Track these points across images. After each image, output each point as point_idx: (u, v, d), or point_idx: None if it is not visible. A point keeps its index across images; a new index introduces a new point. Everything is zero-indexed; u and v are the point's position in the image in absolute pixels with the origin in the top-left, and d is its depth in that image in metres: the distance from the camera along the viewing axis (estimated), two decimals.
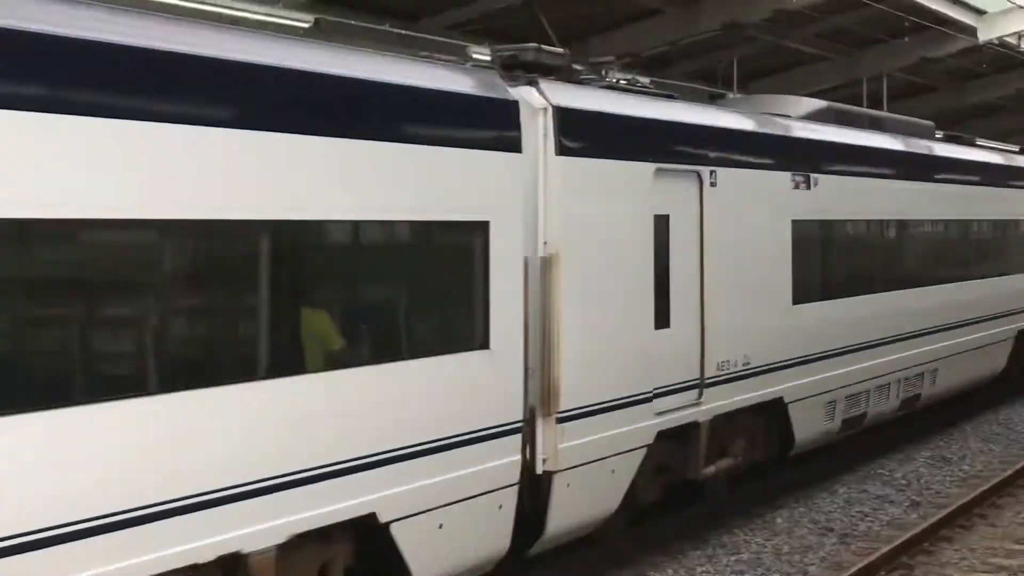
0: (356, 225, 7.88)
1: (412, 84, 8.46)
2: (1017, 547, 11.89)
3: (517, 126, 9.25)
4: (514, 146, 9.20)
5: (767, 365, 12.46)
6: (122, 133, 6.38)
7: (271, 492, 7.12)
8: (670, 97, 12.05)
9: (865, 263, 14.87)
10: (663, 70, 24.70)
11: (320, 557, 7.72)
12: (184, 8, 12.90)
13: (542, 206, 9.48)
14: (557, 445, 9.47)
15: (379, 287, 8.26)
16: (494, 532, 8.91)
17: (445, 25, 20.11)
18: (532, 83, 9.77)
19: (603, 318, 10.08)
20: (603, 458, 10.01)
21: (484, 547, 8.84)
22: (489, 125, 9.10)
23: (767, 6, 22.78)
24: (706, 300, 11.45)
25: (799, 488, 14.07)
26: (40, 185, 5.98)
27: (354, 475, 7.69)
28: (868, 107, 28.59)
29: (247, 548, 6.97)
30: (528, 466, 9.29)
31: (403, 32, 15.86)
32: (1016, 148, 24.73)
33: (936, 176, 17.19)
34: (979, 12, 28.24)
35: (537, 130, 9.52)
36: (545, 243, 9.49)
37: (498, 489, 8.90)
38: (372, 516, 7.83)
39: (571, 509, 9.73)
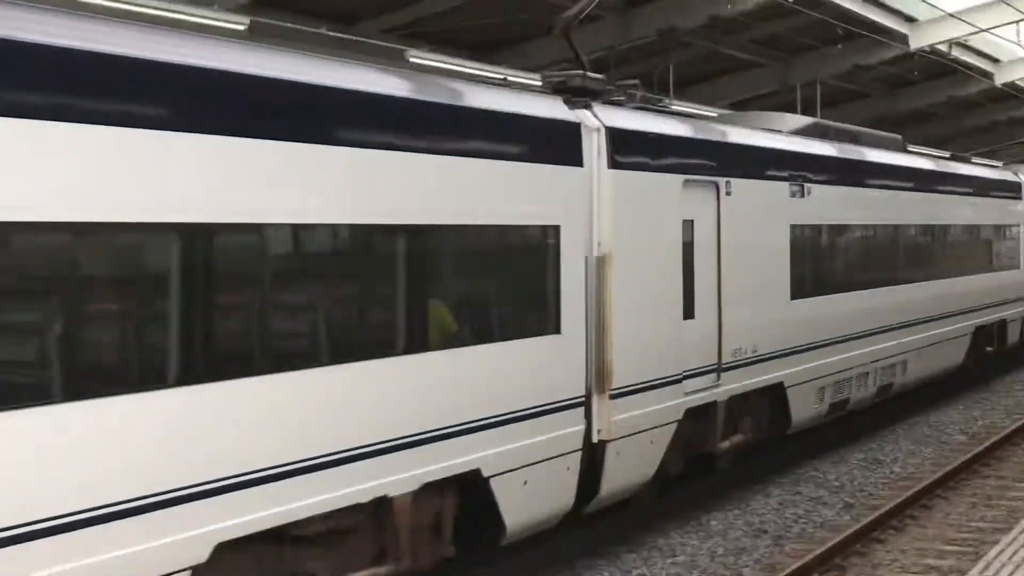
0: (463, 229, 9.30)
1: (503, 110, 10.04)
2: (947, 548, 12.05)
3: (580, 144, 10.81)
4: (578, 161, 10.78)
5: (771, 353, 14.02)
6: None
7: (408, 448, 8.63)
8: (689, 116, 13.76)
9: (849, 263, 16.52)
10: (601, 75, 24.74)
11: (437, 505, 9.16)
12: (117, 10, 12.74)
13: (596, 212, 10.93)
14: (610, 418, 10.98)
15: (480, 281, 9.77)
16: (563, 490, 10.45)
17: (382, 29, 20.06)
18: (587, 106, 11.20)
19: (644, 309, 11.56)
20: (645, 430, 11.54)
21: (556, 502, 10.40)
22: (560, 144, 10.67)
23: (703, 12, 22.96)
24: (722, 294, 13.00)
25: (734, 491, 14.17)
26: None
27: (466, 436, 9.21)
28: (802, 113, 28.91)
29: (392, 493, 8.52)
30: (587, 435, 10.76)
31: (339, 36, 15.78)
32: (967, 159, 26.15)
33: (906, 185, 18.90)
34: (910, 20, 28.61)
35: (592, 147, 10.96)
36: (599, 244, 10.94)
37: (567, 453, 10.44)
38: (478, 472, 9.36)
39: (619, 474, 11.22)
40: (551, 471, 10.24)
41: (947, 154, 25.86)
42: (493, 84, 11.11)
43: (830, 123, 17.66)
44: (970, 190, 22.24)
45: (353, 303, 8.42)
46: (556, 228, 10.38)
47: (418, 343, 8.79)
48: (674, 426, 12.07)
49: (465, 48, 23.06)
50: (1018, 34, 29.64)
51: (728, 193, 13.16)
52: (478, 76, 14.23)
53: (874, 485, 14.84)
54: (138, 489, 6.70)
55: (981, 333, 22.06)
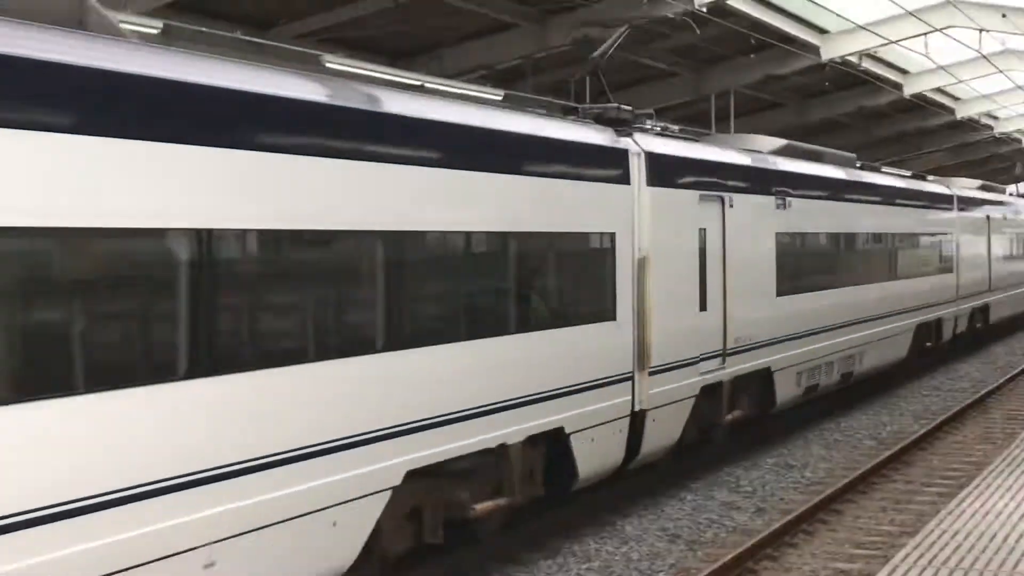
0: (558, 235, 11.69)
1: (577, 140, 12.45)
2: (857, 551, 12.24)
3: (628, 166, 13.10)
4: (626, 180, 13.07)
5: (762, 342, 16.32)
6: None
7: (519, 407, 10.87)
8: (696, 139, 16.10)
9: (820, 266, 18.97)
10: (516, 83, 24.85)
11: (534, 454, 11.41)
12: None
13: (637, 222, 13.17)
14: (648, 391, 13.24)
15: (559, 277, 11.93)
16: (616, 448, 12.76)
17: (298, 34, 19.94)
18: (629, 134, 13.50)
19: (672, 302, 13.85)
20: (673, 402, 13.80)
21: (611, 458, 12.70)
22: (614, 166, 12.95)
23: (619, 22, 23.05)
24: (727, 291, 15.31)
25: (648, 496, 14.28)
26: None
27: (554, 400, 11.45)
28: (716, 122, 29.26)
29: (509, 441, 10.82)
30: (632, 405, 12.99)
31: (254, 40, 15.66)
32: (909, 173, 29.00)
33: (861, 198, 21.29)
34: (822, 31, 29.07)
35: (635, 168, 13.26)
36: (640, 248, 13.20)
37: (619, 418, 12.72)
38: (561, 429, 11.61)
39: (654, 438, 13.45)
40: (609, 432, 12.54)
41: (891, 171, 27.44)
42: (559, 117, 13.45)
43: (799, 144, 19.95)
44: (911, 202, 24.60)
45: (490, 293, 10.77)
46: (612, 235, 12.72)
47: (524, 325, 11.13)
48: (693, 400, 14.35)
49: (382, 54, 23.00)
50: (926, 46, 30.21)
51: (731, 206, 15.54)
52: (398, 83, 14.45)
53: (785, 490, 15.03)
54: (363, 427, 8.91)
55: (921, 330, 24.34)
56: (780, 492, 14.87)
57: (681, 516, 13.55)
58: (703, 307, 14.72)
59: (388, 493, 9.22)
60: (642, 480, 14.46)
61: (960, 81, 37.02)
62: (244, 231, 8.00)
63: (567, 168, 12.03)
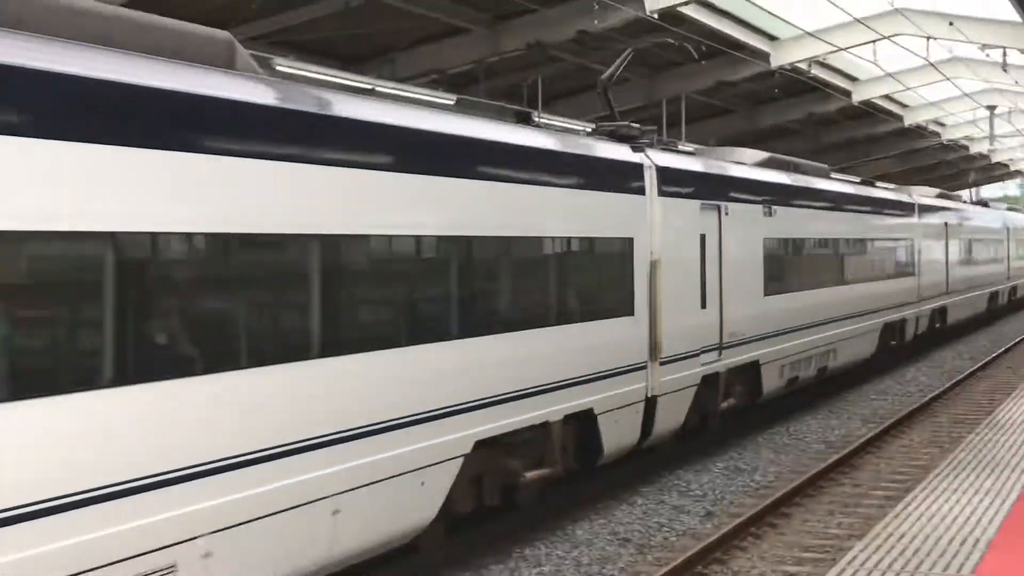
0: (588, 240, 13.24)
1: (605, 156, 14.01)
2: (805, 555, 12.34)
3: (643, 178, 14.62)
4: (641, 191, 14.58)
5: (752, 337, 17.88)
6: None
7: (558, 390, 12.43)
8: (696, 152, 17.88)
9: (799, 269, 20.45)
10: (469, 88, 24.86)
11: (569, 432, 12.94)
12: None
13: (651, 228, 14.67)
14: (659, 379, 14.73)
15: (590, 276, 13.42)
16: (634, 429, 14.28)
17: (249, 36, 19.84)
18: (642, 149, 15.02)
19: (678, 300, 15.33)
20: (679, 390, 15.31)
21: (630, 437, 14.23)
22: (632, 179, 14.45)
23: (571, 27, 23.15)
24: (723, 291, 16.85)
25: (599, 500, 14.33)
26: None
27: (585, 384, 13.00)
28: (667, 128, 29.37)
29: (551, 420, 12.38)
30: (646, 391, 14.47)
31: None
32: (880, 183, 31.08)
33: (835, 206, 22.82)
34: (772, 38, 29.29)
35: (649, 180, 14.73)
36: (652, 251, 14.65)
37: (636, 403, 14.24)
38: (591, 410, 13.14)
39: (664, 421, 14.97)
40: (628, 414, 14.06)
41: (858, 179, 29.41)
42: (587, 134, 15.29)
43: (780, 156, 21.44)
44: (879, 209, 26.12)
45: (540, 289, 12.35)
46: (631, 240, 14.18)
47: (564, 318, 12.63)
48: (695, 388, 15.84)
49: (335, 58, 22.95)
50: (874, 53, 30.53)
51: (726, 214, 17.07)
52: (351, 87, 14.61)
53: (735, 493, 15.13)
54: (445, 402, 10.46)
55: (887, 329, 25.98)
56: (730, 496, 14.97)
57: (632, 520, 13.61)
58: (703, 305, 16.28)
59: (461, 460, 10.80)
60: (594, 485, 14.52)
61: (908, 88, 37.46)
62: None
63: (598, 180, 13.64)
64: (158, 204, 7.57)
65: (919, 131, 47.30)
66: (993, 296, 40.98)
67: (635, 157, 14.71)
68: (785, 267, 19.57)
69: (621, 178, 14.18)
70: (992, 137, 45.98)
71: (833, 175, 25.08)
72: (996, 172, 70.47)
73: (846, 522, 13.67)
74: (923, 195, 32.16)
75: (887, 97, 39.38)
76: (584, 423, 13.20)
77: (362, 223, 9.43)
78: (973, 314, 37.19)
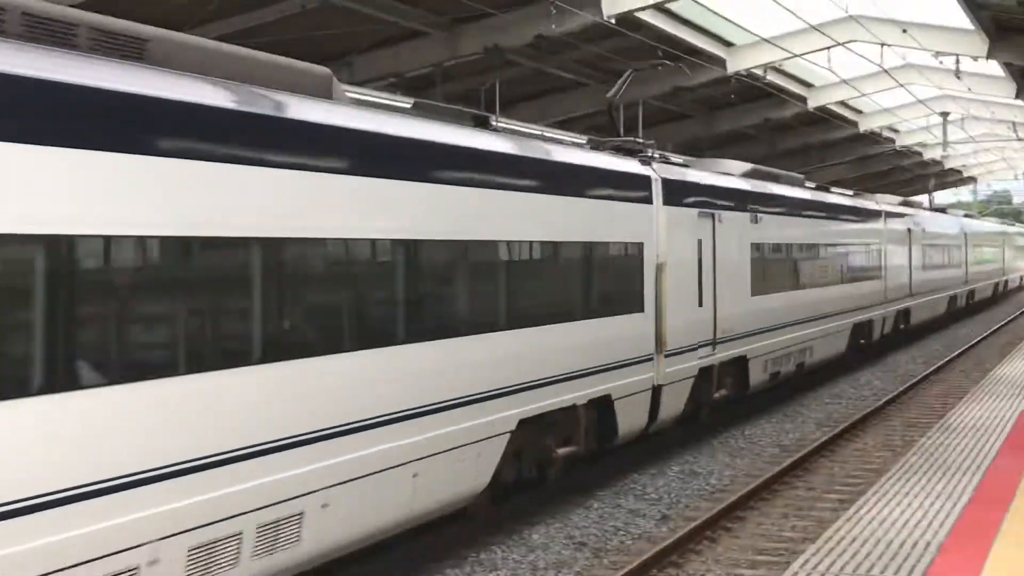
0: (606, 244, 14.72)
1: (620, 170, 15.59)
2: (759, 558, 12.41)
3: (651, 189, 16.22)
4: (649, 200, 16.16)
5: (740, 334, 19.41)
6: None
7: (584, 377, 13.92)
8: (687, 164, 19.05)
9: (782, 271, 22.07)
10: (426, 91, 24.83)
11: (590, 414, 14.37)
12: None
13: (656, 234, 16.23)
14: (663, 370, 16.27)
15: (607, 276, 14.85)
16: (643, 413, 15.80)
17: (207, 37, 19.70)
18: (648, 163, 16.67)
19: (680, 299, 16.90)
20: (680, 380, 16.85)
21: (640, 421, 15.78)
22: (642, 190, 16.03)
23: (528, 32, 23.18)
24: (716, 291, 18.35)
25: (555, 504, 14.35)
26: None
27: (605, 373, 14.48)
28: (624, 132, 29.42)
29: (578, 403, 13.91)
30: (653, 380, 15.98)
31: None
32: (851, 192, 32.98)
33: (811, 213, 24.38)
34: (728, 44, 29.45)
35: (655, 191, 16.32)
36: (658, 255, 16.23)
37: (645, 390, 15.78)
38: (609, 396, 14.64)
39: (667, 408, 16.51)
40: (639, 400, 15.60)
41: (826, 187, 30.53)
42: (602, 150, 16.52)
43: (762, 167, 22.94)
44: (850, 217, 27.83)
45: (571, 288, 13.91)
46: (641, 244, 15.74)
47: (589, 313, 14.21)
48: (692, 379, 17.35)
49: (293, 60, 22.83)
50: (829, 60, 30.79)
51: (720, 221, 18.65)
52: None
53: (690, 497, 15.20)
54: (498, 384, 12.04)
55: (857, 329, 27.59)
56: (685, 499, 15.04)
57: (588, 524, 13.64)
58: (700, 303, 17.77)
59: (508, 435, 12.31)
60: (550, 489, 14.54)
61: (863, 95, 37.77)
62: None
63: (616, 192, 15.23)
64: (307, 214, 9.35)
65: (873, 137, 47.72)
66: (952, 299, 42.55)
67: (644, 170, 16.28)
68: (769, 270, 21.05)
69: (633, 189, 15.77)
70: (945, 143, 46.41)
71: (807, 184, 26.40)
72: (950, 178, 71.23)
73: (800, 525, 13.77)
74: (889, 203, 33.89)
75: (842, 103, 39.71)
76: (603, 407, 14.67)
77: (496, 232, 12.16)
78: (933, 316, 38.70)
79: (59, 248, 7.22)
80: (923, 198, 61.64)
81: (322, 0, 20.08)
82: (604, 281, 14.71)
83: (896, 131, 50.02)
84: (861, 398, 24.36)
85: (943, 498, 10.82)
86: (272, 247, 8.84)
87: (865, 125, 44.10)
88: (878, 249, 30.29)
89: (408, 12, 21.95)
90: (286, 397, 8.99)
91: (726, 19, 28.73)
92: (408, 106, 13.74)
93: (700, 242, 17.80)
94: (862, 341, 28.48)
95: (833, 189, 30.43)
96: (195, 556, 8.11)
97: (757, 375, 20.37)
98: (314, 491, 9.28)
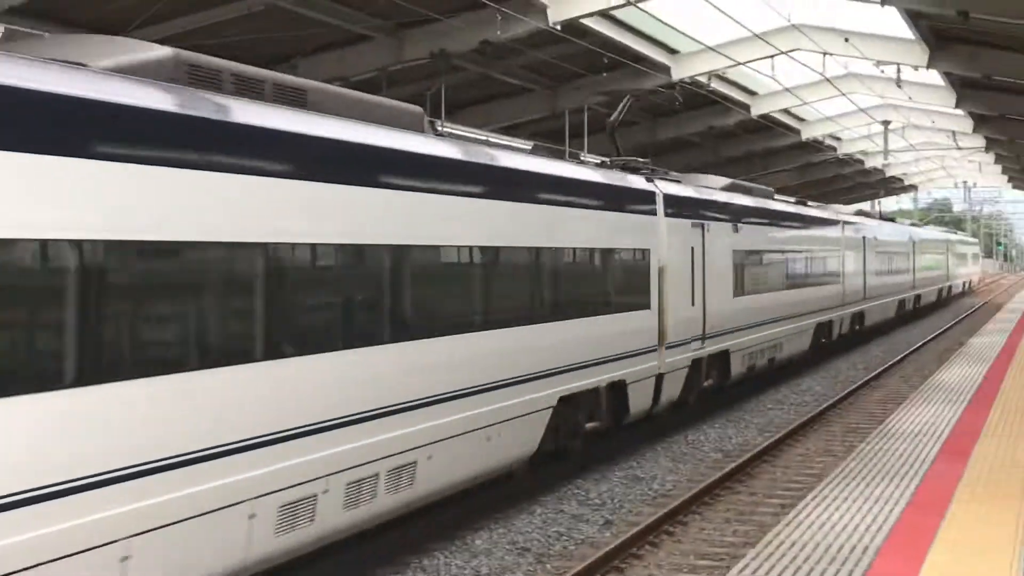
0: (621, 251, 17.08)
1: (630, 186, 17.87)
2: (700, 562, 12.48)
3: (655, 202, 18.62)
4: (653, 212, 18.53)
5: (725, 330, 21.77)
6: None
7: (605, 363, 16.17)
8: (679, 179, 21.42)
9: (759, 275, 24.37)
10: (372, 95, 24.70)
11: (607, 396, 16.56)
12: None
13: (659, 242, 18.55)
14: (665, 360, 18.64)
15: (623, 277, 17.20)
16: (648, 398, 18.19)
17: (152, 39, 19.53)
18: (651, 179, 19.11)
19: (677, 299, 19.30)
20: (677, 369, 19.27)
21: (646, 403, 18.11)
22: (649, 203, 18.41)
23: (474, 37, 23.17)
24: (706, 292, 20.69)
25: (498, 509, 14.35)
26: None
27: (621, 360, 16.78)
28: (569, 139, 29.51)
29: (600, 386, 16.17)
30: (656, 369, 18.32)
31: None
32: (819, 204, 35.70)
33: (782, 223, 26.74)
34: (672, 52, 29.59)
35: (658, 204, 18.72)
36: (660, 260, 18.55)
37: (650, 377, 18.11)
38: (623, 380, 16.97)
39: (667, 393, 18.88)
40: (646, 385, 17.94)
41: (794, 199, 32.98)
42: (609, 169, 18.60)
43: (739, 182, 25.42)
44: (813, 225, 30.17)
45: (596, 287, 16.27)
46: (647, 250, 18.07)
47: (609, 308, 16.49)
48: (687, 369, 19.74)
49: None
50: (772, 68, 31.04)
51: (708, 231, 20.97)
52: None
53: (633, 502, 15.25)
54: (545, 366, 14.41)
55: (819, 329, 30.02)
56: (628, 504, 15.09)
57: (531, 529, 13.65)
58: (693, 303, 20.03)
59: (551, 410, 14.63)
60: (493, 494, 14.54)
61: (805, 103, 38.14)
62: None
63: (630, 205, 17.58)
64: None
65: (816, 145, 48.17)
66: (901, 303, 44.83)
67: (649, 186, 18.70)
68: (747, 274, 23.47)
69: (642, 203, 18.12)
70: (886, 152, 46.98)
71: (776, 196, 28.82)
72: (891, 186, 72.00)
73: (741, 530, 13.86)
74: (846, 213, 36.85)
75: (785, 111, 40.07)
76: (618, 391, 16.93)
77: (549, 240, 14.64)
78: (885, 318, 41.11)
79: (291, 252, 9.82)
80: (866, 205, 62.33)
81: (267, 3, 19.99)
82: (622, 282, 17.11)
83: (838, 139, 50.54)
84: (802, 404, 24.56)
85: (881, 503, 10.94)
86: (398, 251, 11.27)
87: (808, 133, 44.52)
88: (837, 256, 32.72)
89: (353, 16, 21.89)
90: (415, 370, 11.56)
91: (671, 27, 28.89)
92: (528, 147, 18.04)
93: (693, 249, 20.14)
94: (823, 340, 30.83)
95: (795, 200, 32.24)
96: (351, 489, 10.56)
97: (737, 367, 22.74)
98: (423, 445, 11.63)
